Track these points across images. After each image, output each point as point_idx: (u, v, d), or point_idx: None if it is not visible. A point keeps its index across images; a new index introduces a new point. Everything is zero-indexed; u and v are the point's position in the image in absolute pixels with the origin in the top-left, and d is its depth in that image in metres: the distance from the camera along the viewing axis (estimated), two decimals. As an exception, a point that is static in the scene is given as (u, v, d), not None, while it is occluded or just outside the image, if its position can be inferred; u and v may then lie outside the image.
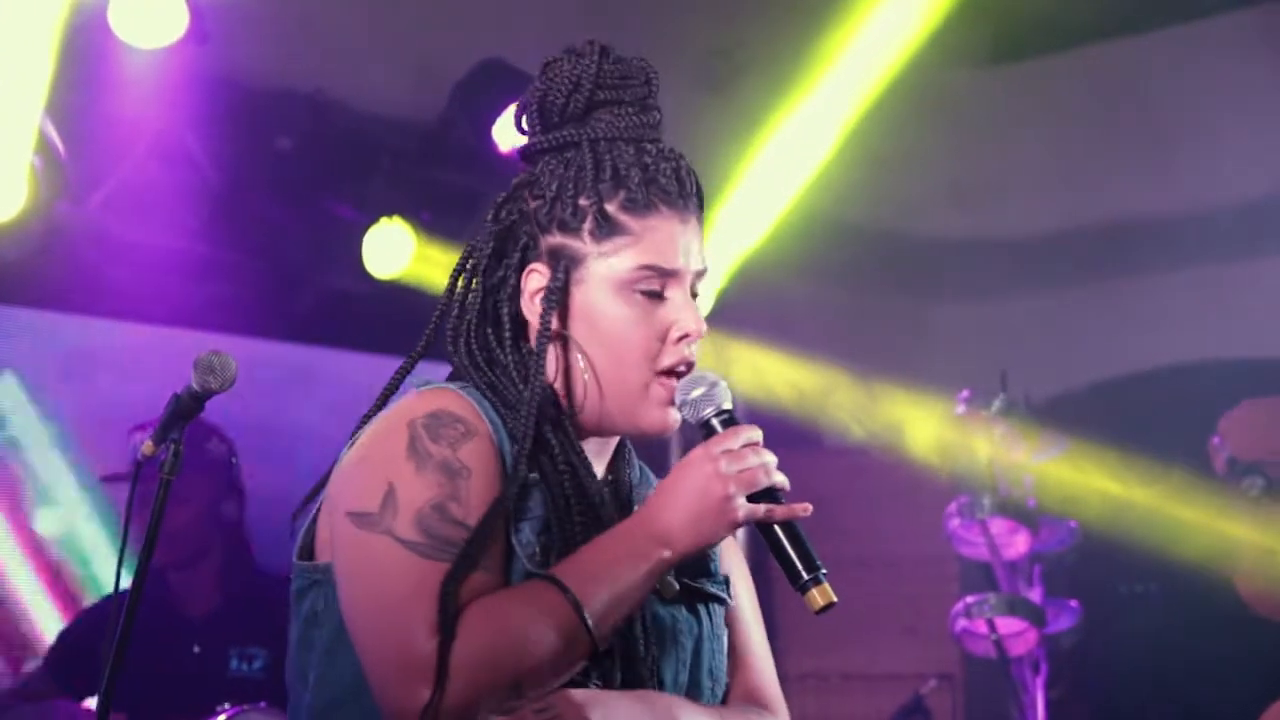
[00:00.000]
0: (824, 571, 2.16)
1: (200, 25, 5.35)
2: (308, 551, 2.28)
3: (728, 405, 2.26)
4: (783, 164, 6.64)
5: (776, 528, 2.18)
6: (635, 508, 2.35)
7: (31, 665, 5.73)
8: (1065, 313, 7.63)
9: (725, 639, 2.42)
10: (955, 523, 5.61)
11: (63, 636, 5.19)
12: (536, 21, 6.30)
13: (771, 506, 2.17)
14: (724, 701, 2.40)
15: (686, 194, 2.32)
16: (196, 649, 5.01)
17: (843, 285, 7.70)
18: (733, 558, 2.48)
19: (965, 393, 5.70)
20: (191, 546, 5.03)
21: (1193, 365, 7.18)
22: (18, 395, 6.20)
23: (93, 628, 4.98)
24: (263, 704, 4.44)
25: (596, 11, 6.57)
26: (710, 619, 2.38)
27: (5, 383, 6.17)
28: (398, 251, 5.96)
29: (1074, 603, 5.66)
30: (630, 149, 2.31)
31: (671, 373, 2.28)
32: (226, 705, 4.53)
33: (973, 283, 7.68)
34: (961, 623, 5.50)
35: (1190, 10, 6.99)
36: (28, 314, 6.06)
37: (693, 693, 2.33)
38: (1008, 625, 5.45)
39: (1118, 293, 7.51)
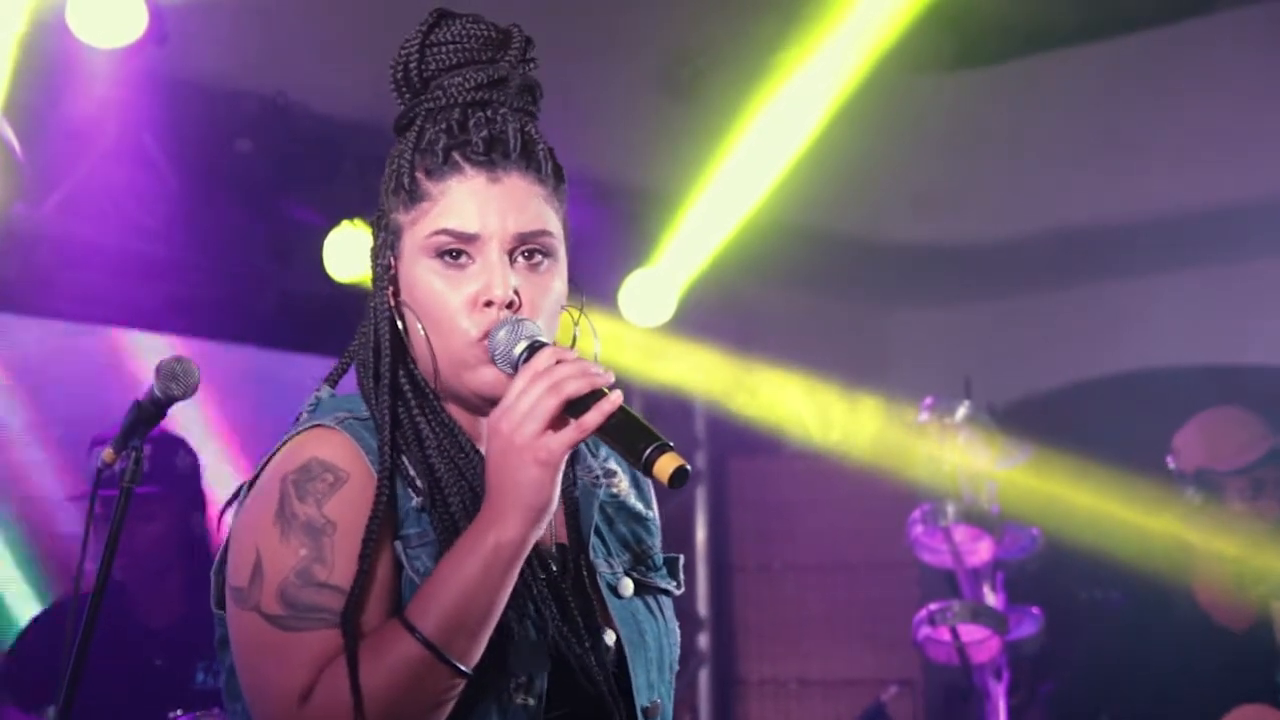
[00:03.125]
0: (669, 443, 2.03)
1: (159, 25, 5.29)
2: (221, 598, 2.22)
3: (540, 338, 2.14)
4: (746, 170, 6.63)
5: (609, 423, 2.04)
6: (590, 506, 2.33)
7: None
8: (1028, 319, 7.65)
9: (677, 631, 2.39)
10: (919, 530, 5.60)
11: (16, 646, 5.13)
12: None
13: (581, 421, 2.02)
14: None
15: (505, 153, 2.21)
16: (157, 661, 4.96)
17: (806, 291, 7.70)
18: None
19: (929, 400, 5.69)
20: (158, 564, 4.99)
21: (1153, 371, 7.20)
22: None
23: (46, 637, 4.93)
24: (216, 710, 4.39)
25: (556, 14, 6.54)
26: (662, 612, 2.36)
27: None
28: (359, 254, 5.92)
29: (1036, 610, 5.66)
30: (457, 113, 2.23)
31: (482, 341, 2.19)
32: (179, 712, 4.49)
33: (936, 289, 7.69)
34: (924, 630, 5.48)
35: (1152, 18, 7.00)
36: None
37: (662, 691, 2.31)
38: (971, 633, 5.44)
39: (1080, 299, 7.54)
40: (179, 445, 4.98)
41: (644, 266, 6.81)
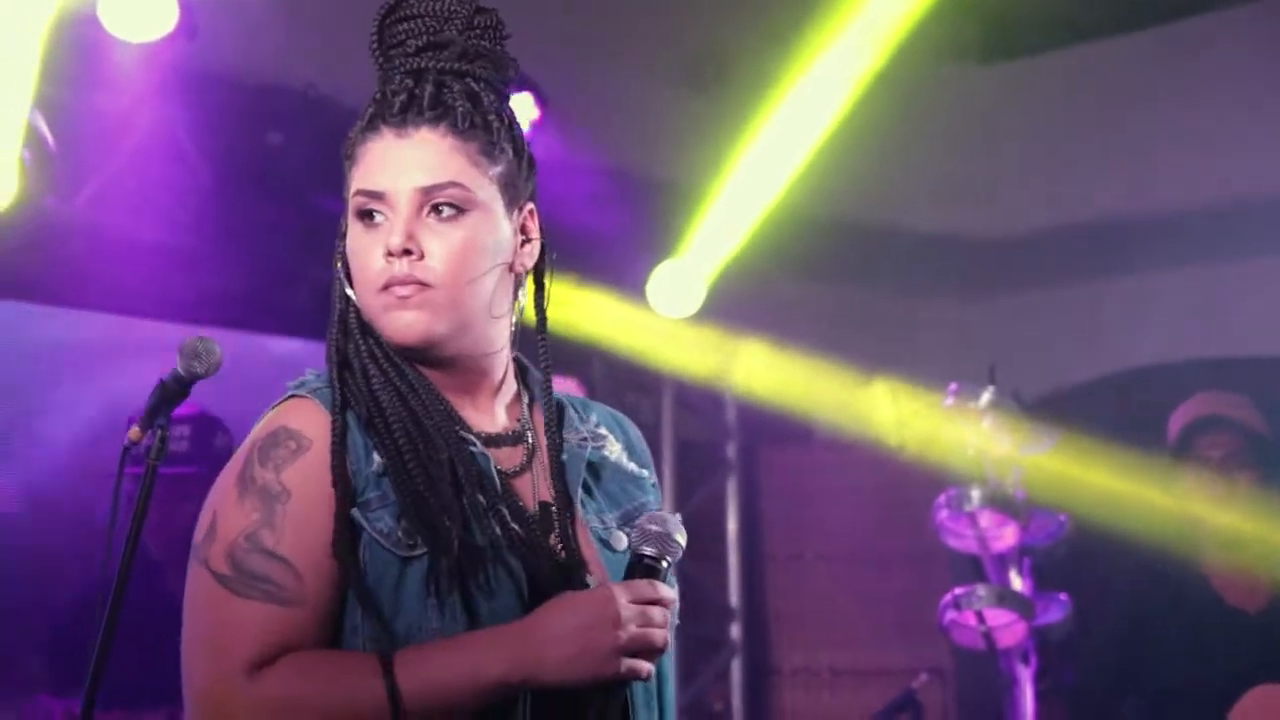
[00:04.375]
0: None
1: (190, 19, 5.36)
2: None
3: (669, 557, 2.22)
4: (772, 161, 6.65)
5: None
6: (577, 466, 2.37)
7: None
8: (1056, 313, 7.63)
9: (674, 581, 2.41)
10: (943, 515, 5.61)
11: (51, 630, 5.19)
12: (524, 21, 6.29)
13: (634, 668, 2.14)
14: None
15: (418, 110, 2.27)
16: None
17: (832, 282, 7.72)
18: None
19: (953, 385, 5.71)
20: None
21: (1178, 365, 7.17)
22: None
23: (83, 620, 4.99)
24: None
25: (584, 13, 6.59)
26: None
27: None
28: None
29: (1063, 596, 5.66)
30: (396, 80, 2.29)
31: (388, 289, 2.25)
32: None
33: (961, 281, 7.69)
34: (950, 614, 5.50)
35: (1180, 9, 7.00)
36: (16, 307, 6.06)
37: (664, 679, 2.34)
38: (997, 617, 5.45)
39: (1105, 292, 7.52)
40: (217, 426, 5.05)
41: (672, 258, 6.84)
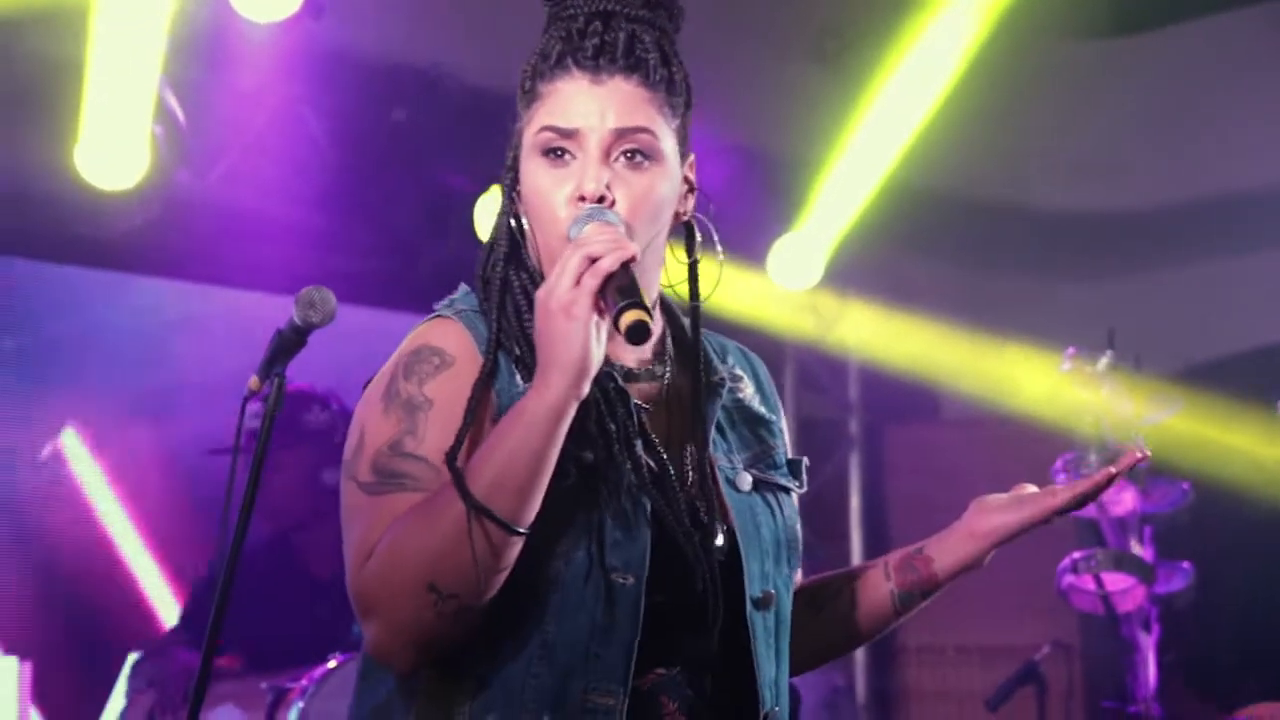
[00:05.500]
0: (643, 303, 2.11)
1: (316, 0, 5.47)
2: None
3: (612, 222, 2.21)
4: (892, 134, 6.65)
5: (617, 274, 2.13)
6: (712, 405, 2.38)
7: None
8: (1186, 289, 7.56)
9: (798, 527, 2.43)
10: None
11: (194, 586, 5.33)
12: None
13: (596, 265, 2.10)
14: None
15: (611, 58, 2.28)
16: (322, 612, 5.10)
17: (953, 255, 7.69)
18: None
19: (1070, 349, 5.68)
20: (295, 512, 5.15)
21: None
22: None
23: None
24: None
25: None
26: (781, 509, 2.42)
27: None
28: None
29: (1186, 564, 5.61)
30: (580, 22, 2.29)
31: None
32: (337, 653, 4.64)
33: (1084, 257, 7.64)
34: (1068, 578, 5.47)
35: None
36: (149, 281, 6.20)
37: (778, 584, 2.36)
38: (1115, 581, 5.41)
39: (1231, 269, 7.43)
40: (314, 402, 5.13)
41: (792, 231, 6.86)
